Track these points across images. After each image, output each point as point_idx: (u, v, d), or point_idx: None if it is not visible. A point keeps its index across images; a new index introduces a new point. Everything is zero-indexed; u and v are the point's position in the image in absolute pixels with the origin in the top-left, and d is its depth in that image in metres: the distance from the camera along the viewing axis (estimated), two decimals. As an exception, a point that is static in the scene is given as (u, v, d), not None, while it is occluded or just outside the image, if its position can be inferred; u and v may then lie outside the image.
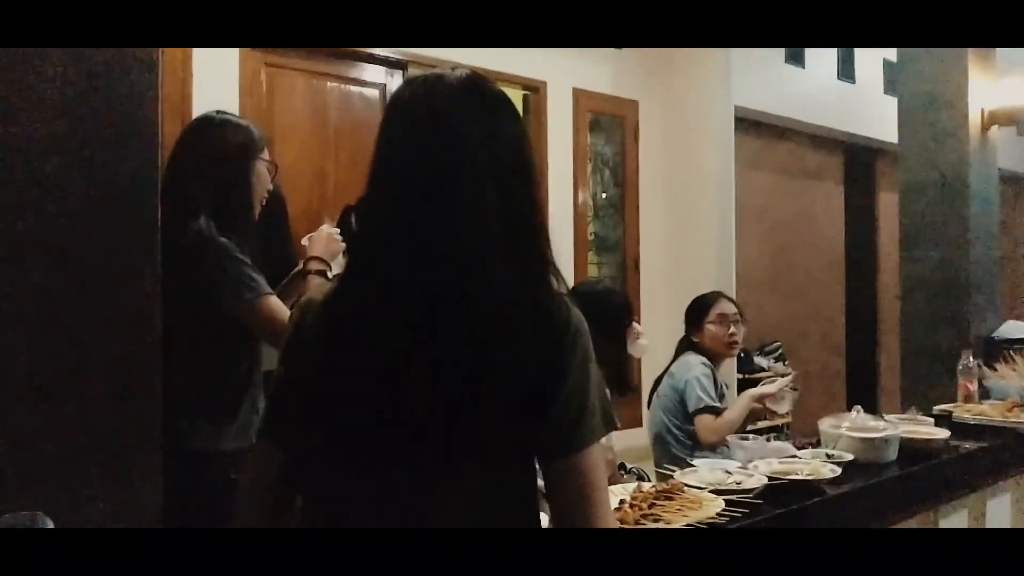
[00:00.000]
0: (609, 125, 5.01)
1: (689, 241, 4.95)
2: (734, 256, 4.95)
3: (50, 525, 1.09)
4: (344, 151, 3.80)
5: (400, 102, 0.94)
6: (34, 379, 1.20)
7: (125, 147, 1.27)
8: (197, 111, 2.81)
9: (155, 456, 1.30)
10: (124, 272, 1.27)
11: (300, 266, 1.82)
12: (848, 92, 5.96)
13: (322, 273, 1.75)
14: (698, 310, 2.77)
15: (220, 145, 1.63)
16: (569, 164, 4.71)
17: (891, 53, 4.87)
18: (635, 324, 2.35)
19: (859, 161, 6.60)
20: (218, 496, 1.52)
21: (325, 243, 1.79)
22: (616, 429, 0.96)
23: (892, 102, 6.36)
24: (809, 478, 1.77)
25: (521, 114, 4.50)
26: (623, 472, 2.35)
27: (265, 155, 1.72)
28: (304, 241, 1.91)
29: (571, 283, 4.57)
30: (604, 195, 5.02)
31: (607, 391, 0.95)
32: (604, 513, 0.89)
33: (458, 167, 0.87)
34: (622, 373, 2.29)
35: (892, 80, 6.27)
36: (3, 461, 1.17)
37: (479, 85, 0.93)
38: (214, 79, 3.16)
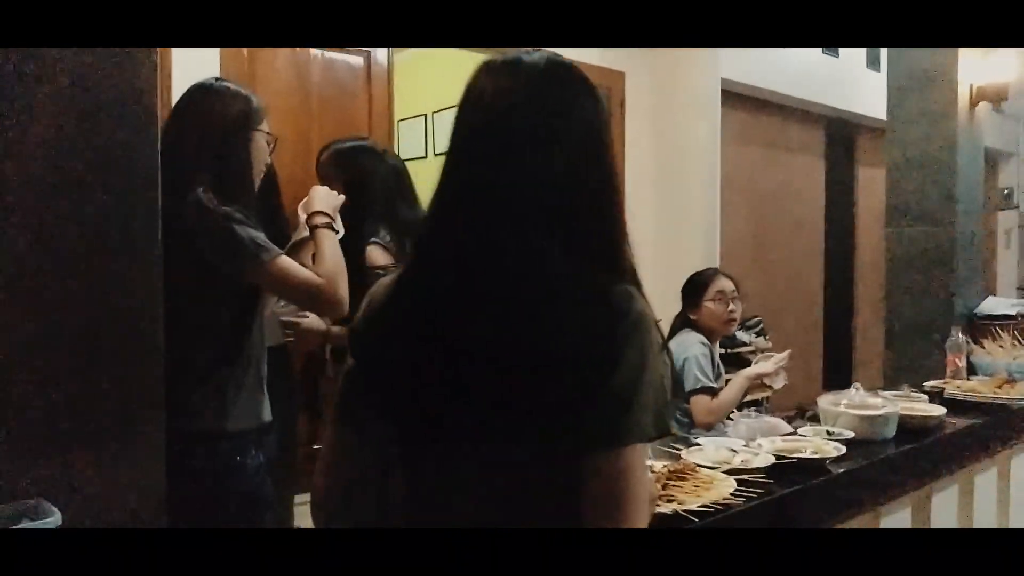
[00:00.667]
0: (595, 96, 4.95)
1: (675, 214, 4.94)
2: (719, 230, 4.95)
3: (53, 512, 1.05)
4: (328, 119, 3.70)
5: (479, 85, 0.91)
6: (33, 361, 1.16)
7: (121, 120, 1.22)
8: (177, 77, 2.70)
9: (158, 436, 1.26)
10: (123, 250, 1.22)
11: (304, 222, 1.77)
12: (832, 66, 5.95)
13: (329, 226, 1.70)
14: (696, 287, 2.74)
15: (219, 114, 1.56)
16: (555, 136, 4.66)
17: (877, 28, 4.85)
18: None
19: (840, 136, 6.61)
20: (223, 479, 1.48)
21: (325, 197, 1.75)
22: (668, 434, 0.93)
23: (874, 77, 6.40)
24: (815, 456, 1.78)
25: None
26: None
27: (264, 126, 1.65)
28: (300, 208, 1.86)
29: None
30: (590, 168, 4.98)
31: (667, 393, 0.90)
32: (632, 521, 0.83)
33: (534, 151, 0.86)
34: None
35: (875, 56, 6.29)
36: (2, 445, 1.12)
37: (561, 67, 0.91)
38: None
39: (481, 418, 0.86)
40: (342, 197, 1.81)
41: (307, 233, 1.98)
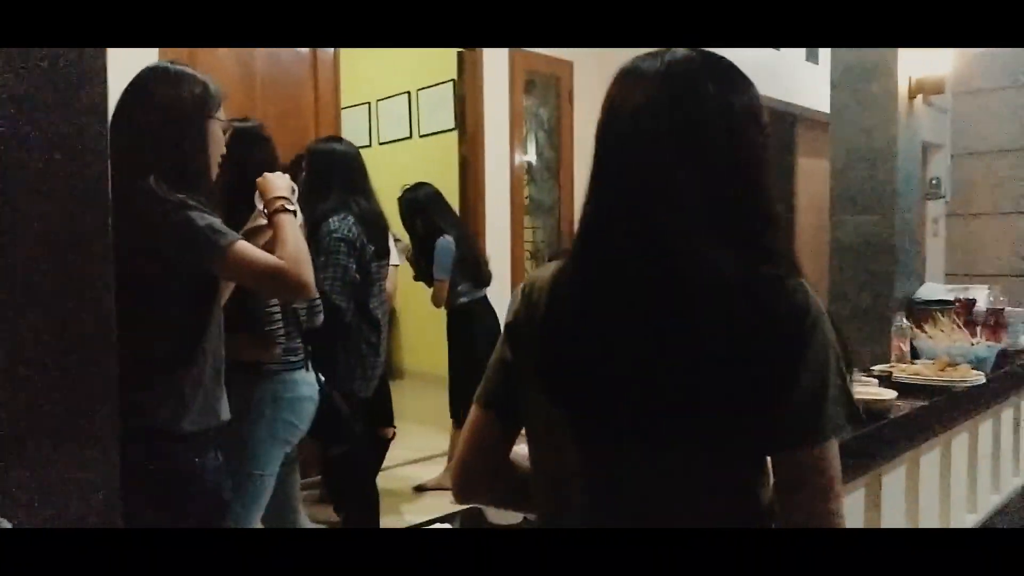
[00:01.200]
0: (544, 86, 4.94)
1: (623, 205, 4.97)
2: (667, 220, 5.01)
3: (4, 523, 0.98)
4: (272, 105, 3.60)
5: (632, 75, 0.92)
6: (-25, 359, 1.07)
7: (67, 109, 1.14)
8: (114, 63, 2.57)
9: (111, 438, 1.19)
10: (71, 242, 1.15)
11: (262, 208, 1.71)
12: (771, 59, 6.07)
13: (287, 210, 1.64)
14: None
15: (175, 99, 1.47)
16: (505, 125, 4.63)
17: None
18: None
19: (780, 127, 6.76)
20: (180, 481, 1.41)
21: (279, 182, 1.70)
22: (861, 424, 0.92)
23: (813, 69, 6.57)
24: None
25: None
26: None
27: (221, 114, 1.58)
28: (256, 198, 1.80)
29: (507, 248, 4.48)
30: (539, 158, 4.97)
31: (849, 383, 0.90)
32: (837, 511, 0.85)
33: (692, 143, 0.86)
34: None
35: (814, 49, 6.45)
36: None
37: (715, 58, 0.92)
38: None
39: (662, 418, 0.86)
40: (291, 182, 1.76)
41: (262, 221, 1.92)
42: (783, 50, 6.12)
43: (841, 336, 0.90)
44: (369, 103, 6.65)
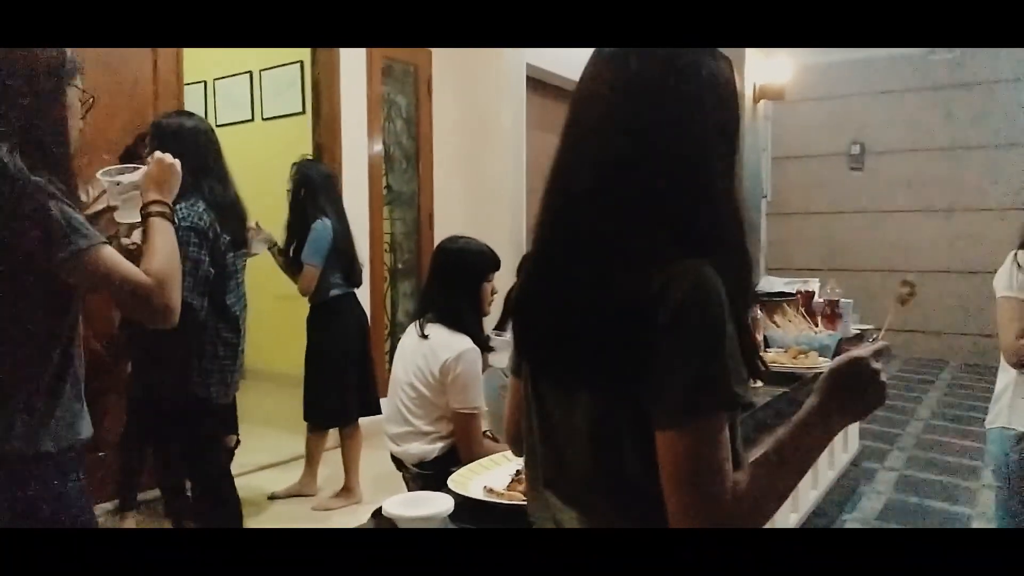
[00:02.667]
0: (402, 74, 4.80)
1: (483, 198, 4.94)
2: (525, 214, 5.03)
3: None
4: (106, 76, 3.22)
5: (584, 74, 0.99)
6: None
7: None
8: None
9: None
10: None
11: (115, 182, 1.50)
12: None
13: (165, 216, 1.45)
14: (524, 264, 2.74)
15: (27, 65, 1.24)
16: (363, 112, 4.45)
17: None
18: (489, 282, 2.26)
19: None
20: (40, 507, 1.20)
21: (162, 176, 1.50)
22: (737, 410, 0.89)
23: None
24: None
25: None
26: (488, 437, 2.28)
27: (79, 82, 1.35)
28: (100, 175, 1.57)
29: (366, 239, 4.26)
30: (398, 147, 4.82)
31: (741, 370, 0.87)
32: (692, 498, 0.84)
33: (633, 131, 0.91)
34: (479, 329, 2.21)
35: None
36: None
37: (673, 52, 0.95)
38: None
39: (576, 374, 0.94)
40: (179, 172, 1.55)
41: (101, 206, 1.68)
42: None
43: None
44: (205, 82, 6.17)
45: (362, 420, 3.58)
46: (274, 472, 3.94)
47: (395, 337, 4.86)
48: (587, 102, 0.97)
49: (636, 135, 0.91)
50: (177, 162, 1.54)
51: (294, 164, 3.57)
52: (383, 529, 1.32)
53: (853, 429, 4.30)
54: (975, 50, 7.81)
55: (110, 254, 1.26)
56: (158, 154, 1.53)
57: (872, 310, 6.23)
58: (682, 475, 0.84)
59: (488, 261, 2.28)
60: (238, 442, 3.25)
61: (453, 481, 1.54)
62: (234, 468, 3.28)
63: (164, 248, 1.38)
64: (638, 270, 0.87)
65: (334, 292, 3.47)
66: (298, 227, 3.48)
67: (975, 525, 3.63)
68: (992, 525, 3.60)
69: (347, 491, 3.52)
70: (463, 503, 1.44)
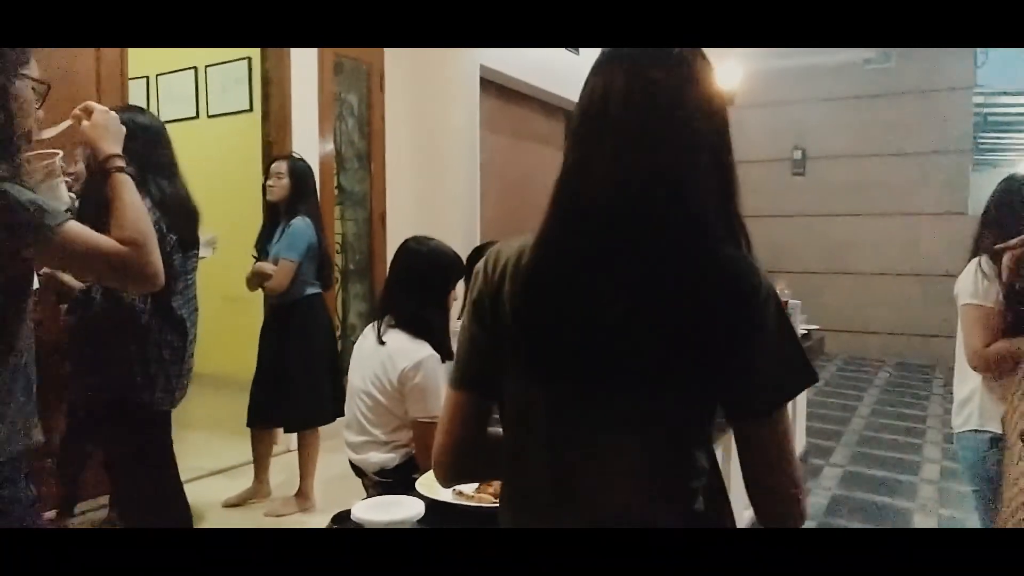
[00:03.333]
0: (353, 72, 4.73)
1: (436, 198, 4.90)
2: (479, 215, 5.01)
3: None
4: (45, 70, 3.08)
5: (618, 63, 0.93)
6: None
7: None
8: None
9: None
10: None
11: (89, 166, 1.44)
12: (572, 62, 6.32)
13: (124, 171, 1.39)
14: (474, 263, 2.71)
15: None
16: (314, 110, 4.36)
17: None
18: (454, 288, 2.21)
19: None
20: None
21: (109, 128, 1.44)
22: (815, 382, 0.95)
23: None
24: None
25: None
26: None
27: (32, 71, 1.29)
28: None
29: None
30: (350, 146, 4.75)
31: (803, 354, 0.94)
32: (792, 475, 0.92)
33: (673, 126, 0.89)
34: (445, 338, 2.14)
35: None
36: None
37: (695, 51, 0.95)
38: None
39: (631, 387, 0.89)
40: (122, 127, 1.50)
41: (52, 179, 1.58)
42: (583, 53, 6.39)
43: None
44: (148, 76, 5.98)
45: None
46: (220, 479, 3.83)
47: (346, 340, 4.78)
48: (635, 109, 0.90)
49: (700, 140, 0.90)
50: (114, 113, 1.49)
51: (283, 157, 3.48)
52: (355, 529, 1.29)
53: (800, 426, 4.41)
54: (910, 60, 8.11)
55: (79, 228, 1.21)
56: (93, 104, 1.47)
57: (816, 310, 6.40)
58: (781, 456, 0.91)
59: (458, 267, 2.21)
60: None
61: (421, 485, 1.51)
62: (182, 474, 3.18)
63: (133, 207, 1.33)
64: (713, 269, 0.88)
65: (310, 291, 3.37)
66: (276, 223, 3.37)
67: (917, 518, 3.76)
68: (934, 520, 3.72)
69: (301, 496, 3.44)
70: (432, 507, 1.41)
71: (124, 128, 1.49)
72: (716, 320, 0.87)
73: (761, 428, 0.90)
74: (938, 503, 3.97)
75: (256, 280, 3.34)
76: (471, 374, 1.00)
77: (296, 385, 3.34)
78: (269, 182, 3.40)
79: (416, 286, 2.13)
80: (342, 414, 3.51)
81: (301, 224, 3.30)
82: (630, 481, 0.92)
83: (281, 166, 3.41)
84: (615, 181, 0.88)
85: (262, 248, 3.43)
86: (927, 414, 5.97)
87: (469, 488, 1.52)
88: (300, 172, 3.44)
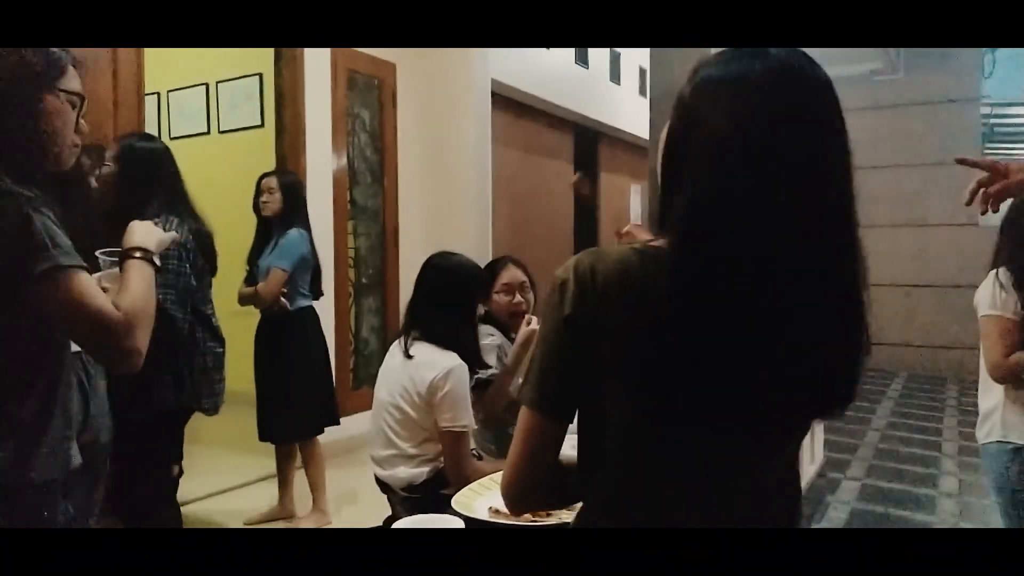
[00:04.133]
0: (366, 87, 4.74)
1: (448, 212, 4.90)
2: (491, 229, 5.01)
3: None
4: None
5: (736, 78, 0.88)
6: None
7: None
8: None
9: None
10: None
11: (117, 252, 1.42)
12: (581, 76, 6.34)
13: (147, 259, 1.36)
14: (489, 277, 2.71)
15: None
16: (327, 125, 4.37)
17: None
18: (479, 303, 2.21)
19: (585, 143, 7.08)
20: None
21: (144, 231, 1.42)
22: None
23: (616, 89, 6.95)
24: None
25: (293, 70, 4.13)
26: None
27: (70, 84, 1.28)
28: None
29: (331, 253, 4.15)
30: (362, 161, 4.75)
31: None
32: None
33: (801, 151, 0.87)
34: (474, 349, 2.15)
35: (616, 69, 6.81)
36: None
37: (814, 66, 0.92)
38: None
39: (750, 407, 0.88)
40: (171, 235, 1.50)
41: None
42: (592, 68, 6.41)
43: None
44: (159, 93, 6.00)
45: (321, 438, 3.48)
46: (235, 496, 3.81)
47: (359, 354, 4.77)
48: (782, 132, 0.87)
49: (846, 163, 0.91)
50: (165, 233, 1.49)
51: (272, 173, 3.48)
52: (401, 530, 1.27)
53: (818, 440, 4.38)
54: (917, 72, 8.12)
55: (88, 281, 1.17)
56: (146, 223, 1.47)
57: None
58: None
59: (483, 280, 2.22)
60: (181, 471, 3.07)
61: (458, 503, 1.50)
62: (191, 495, 3.14)
63: (140, 287, 1.28)
64: (859, 304, 0.91)
65: (303, 303, 3.37)
66: (268, 238, 3.38)
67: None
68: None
69: (318, 512, 3.41)
70: (469, 525, 1.39)
71: (165, 236, 1.48)
72: (853, 353, 0.92)
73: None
74: (959, 517, 3.93)
75: (246, 298, 3.37)
76: (556, 397, 0.94)
77: (288, 398, 3.34)
78: (262, 198, 3.41)
79: (442, 300, 2.14)
80: (334, 423, 3.53)
81: (296, 235, 3.31)
82: (763, 505, 0.95)
83: (272, 181, 3.42)
84: (767, 208, 0.85)
85: (253, 263, 3.43)
86: (942, 426, 5.94)
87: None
88: (292, 186, 3.46)
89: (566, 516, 1.37)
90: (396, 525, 1.31)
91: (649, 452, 0.91)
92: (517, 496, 0.99)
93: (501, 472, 1.65)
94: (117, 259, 1.43)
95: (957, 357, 7.47)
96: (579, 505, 1.02)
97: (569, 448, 1.02)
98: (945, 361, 7.73)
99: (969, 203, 1.58)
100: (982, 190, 1.55)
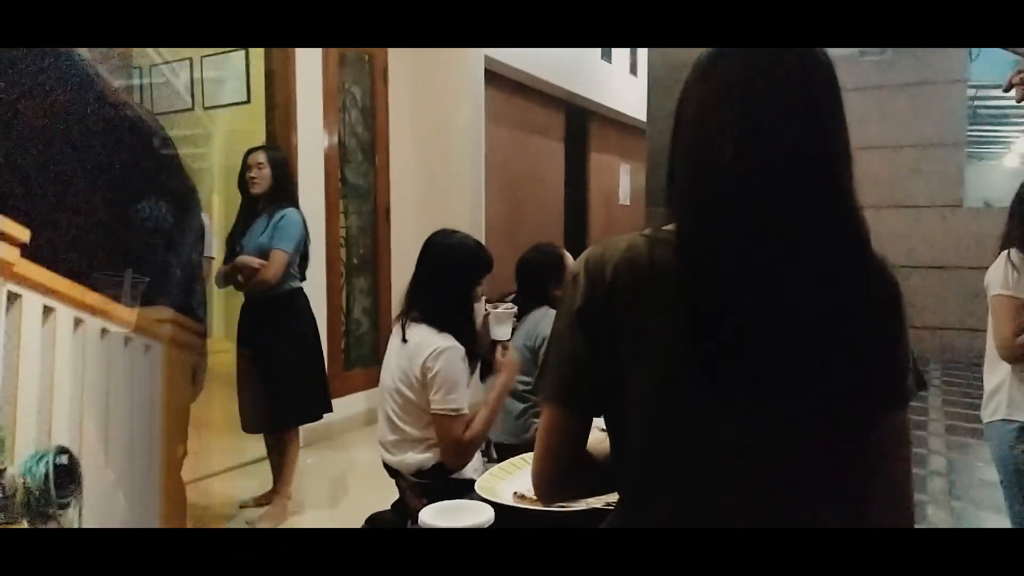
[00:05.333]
0: (356, 63, 4.66)
1: (440, 191, 4.85)
2: (483, 208, 4.96)
3: None
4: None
5: (739, 60, 0.89)
6: None
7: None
8: None
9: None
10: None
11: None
12: (574, 54, 6.28)
13: None
14: (560, 263, 2.70)
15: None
16: (318, 102, 4.29)
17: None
18: (481, 285, 2.15)
19: (576, 122, 7.03)
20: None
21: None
22: (925, 390, 0.97)
23: (607, 67, 6.90)
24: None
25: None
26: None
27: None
28: None
29: (322, 233, 4.07)
30: (353, 138, 4.68)
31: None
32: (909, 465, 0.94)
33: (813, 127, 0.87)
34: (471, 331, 2.10)
35: (607, 48, 6.76)
36: None
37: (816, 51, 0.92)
38: None
39: (781, 384, 0.86)
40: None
41: None
42: (582, 48, 6.35)
43: None
44: (141, 68, 5.86)
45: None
46: (236, 475, 3.77)
47: (349, 335, 4.72)
48: (783, 106, 0.87)
49: (845, 136, 0.90)
50: None
51: (260, 148, 3.31)
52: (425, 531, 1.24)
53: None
54: (904, 53, 8.14)
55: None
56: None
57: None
58: (902, 446, 0.92)
59: (484, 260, 2.16)
60: (185, 452, 3.00)
61: (481, 488, 1.47)
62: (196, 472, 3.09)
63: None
64: (873, 270, 0.90)
65: (295, 284, 3.26)
66: (253, 217, 3.22)
67: (930, 510, 3.77)
68: (947, 512, 3.75)
69: (281, 502, 3.29)
70: (496, 510, 1.37)
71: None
72: (877, 321, 0.88)
73: (896, 419, 0.92)
74: (949, 495, 3.99)
75: (238, 274, 3.15)
76: (576, 390, 0.93)
77: (286, 383, 3.20)
78: (251, 174, 3.17)
79: (440, 280, 2.09)
80: (330, 409, 3.45)
81: (296, 215, 3.17)
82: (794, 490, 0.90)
83: (260, 156, 3.20)
84: (770, 180, 0.85)
85: (234, 244, 3.22)
86: (927, 406, 6.01)
87: (530, 489, 1.48)
88: (281, 162, 3.28)
89: (595, 502, 1.35)
90: (424, 511, 1.28)
91: (674, 441, 0.89)
92: (545, 490, 1.00)
93: (522, 455, 1.64)
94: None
95: (941, 337, 7.56)
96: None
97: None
98: (929, 341, 7.82)
99: (1007, 90, 1.64)
100: (1021, 75, 1.61)
